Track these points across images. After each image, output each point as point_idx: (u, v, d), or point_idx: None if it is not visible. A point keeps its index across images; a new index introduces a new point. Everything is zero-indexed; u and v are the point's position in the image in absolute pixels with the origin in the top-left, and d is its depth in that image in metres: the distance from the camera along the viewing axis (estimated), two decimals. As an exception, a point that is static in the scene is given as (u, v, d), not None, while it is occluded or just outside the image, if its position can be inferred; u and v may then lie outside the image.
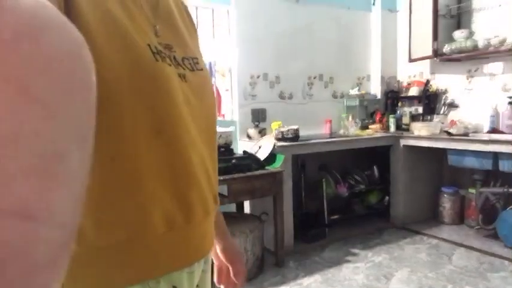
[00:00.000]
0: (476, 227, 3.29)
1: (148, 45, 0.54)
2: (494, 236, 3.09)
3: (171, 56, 0.58)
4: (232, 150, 2.82)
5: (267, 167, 2.73)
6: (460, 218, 3.55)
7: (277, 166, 2.77)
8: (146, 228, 0.53)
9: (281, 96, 3.57)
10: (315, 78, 3.74)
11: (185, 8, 0.71)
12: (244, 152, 2.84)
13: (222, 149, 2.70)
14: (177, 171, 0.56)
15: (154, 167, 0.53)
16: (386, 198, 3.71)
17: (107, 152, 0.50)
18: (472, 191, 3.33)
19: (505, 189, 3.07)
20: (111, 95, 0.48)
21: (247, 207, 3.22)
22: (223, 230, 0.79)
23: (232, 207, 3.12)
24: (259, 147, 2.94)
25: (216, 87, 3.24)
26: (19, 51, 0.17)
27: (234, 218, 2.75)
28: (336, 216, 3.52)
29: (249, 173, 2.58)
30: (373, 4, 4.04)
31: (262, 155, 2.82)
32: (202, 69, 0.64)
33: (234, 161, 2.59)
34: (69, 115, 0.19)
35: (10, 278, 0.16)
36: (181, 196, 0.56)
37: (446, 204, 3.56)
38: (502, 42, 3.10)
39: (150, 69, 0.53)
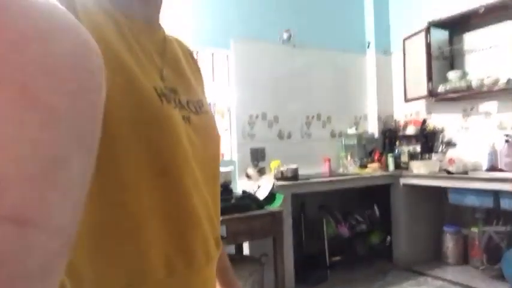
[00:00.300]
0: (481, 267, 3.21)
1: (154, 88, 0.54)
2: (501, 277, 3.01)
3: (176, 99, 0.58)
4: (231, 189, 2.81)
5: (266, 207, 2.70)
6: (464, 258, 3.47)
7: (276, 206, 2.75)
8: (146, 275, 0.51)
9: (280, 136, 3.60)
10: (312, 117, 3.79)
11: (191, 53, 0.73)
12: (244, 191, 2.82)
13: (221, 189, 2.68)
14: (179, 214, 0.54)
15: (156, 210, 0.52)
16: (388, 238, 3.65)
17: (107, 194, 0.49)
18: (475, 229, 3.28)
19: (508, 228, 3.03)
20: (115, 136, 0.48)
21: (246, 248, 3.15)
22: (231, 276, 0.76)
23: (231, 249, 3.05)
24: (259, 187, 2.92)
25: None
26: (26, 53, 0.17)
27: (233, 261, 2.68)
28: (337, 258, 3.45)
29: (248, 213, 2.54)
30: (368, 47, 4.17)
31: (261, 195, 2.80)
32: (206, 112, 0.65)
33: (233, 200, 2.57)
34: (72, 120, 0.18)
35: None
36: (182, 240, 0.55)
37: (450, 243, 3.50)
38: (495, 82, 3.17)
39: (155, 110, 0.53)
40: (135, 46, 0.56)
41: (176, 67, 0.64)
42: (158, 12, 0.63)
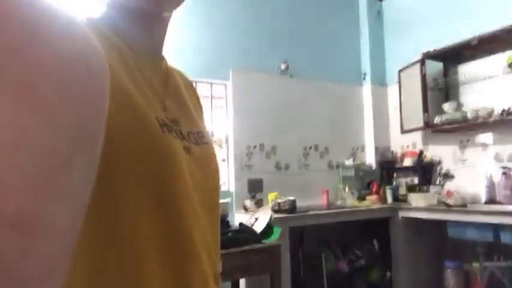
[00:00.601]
0: (485, 305, 3.11)
1: (156, 118, 0.54)
2: (505, 315, 2.91)
3: (177, 130, 0.58)
4: (228, 222, 2.73)
5: (263, 241, 2.62)
6: (466, 295, 3.37)
7: (274, 239, 2.66)
8: None
9: (277, 167, 3.56)
10: (310, 148, 3.77)
11: (191, 85, 0.74)
12: (241, 224, 2.75)
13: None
14: (178, 248, 0.53)
15: (155, 244, 0.50)
16: (388, 273, 3.55)
17: (106, 224, 0.48)
18: (476, 265, 3.20)
19: (510, 263, 2.96)
20: (115, 165, 0.47)
21: (242, 285, 3.04)
22: None
23: (227, 285, 2.93)
24: (256, 219, 2.84)
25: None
26: (30, 55, 0.16)
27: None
28: (337, 295, 3.33)
29: (245, 247, 2.46)
30: (364, 79, 4.21)
31: (258, 228, 2.72)
32: (207, 143, 0.65)
33: (230, 234, 2.49)
34: (75, 123, 0.18)
35: None
36: (181, 275, 0.53)
37: (451, 279, 3.40)
38: (490, 113, 3.19)
39: (157, 140, 0.52)
40: (138, 76, 0.56)
41: (178, 98, 0.64)
42: (162, 43, 0.64)
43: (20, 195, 0.16)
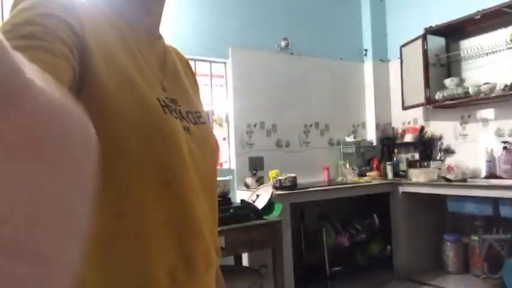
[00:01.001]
0: (482, 276, 3.18)
1: (157, 98, 0.56)
2: (502, 286, 2.98)
3: (177, 110, 0.60)
4: (229, 199, 2.77)
5: (265, 217, 2.67)
6: (465, 267, 3.44)
7: (275, 215, 2.71)
8: (150, 285, 0.52)
9: (278, 144, 3.58)
10: (311, 126, 3.78)
11: (188, 63, 0.75)
12: (242, 201, 2.79)
13: (220, 199, 2.65)
14: (182, 224, 0.55)
15: (159, 221, 0.53)
16: (388, 247, 3.62)
17: (113, 204, 0.50)
18: (475, 238, 3.26)
19: (509, 236, 3.01)
20: (121, 147, 0.49)
21: (245, 259, 3.11)
22: None
23: (230, 260, 3.01)
24: (257, 196, 2.89)
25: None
26: (42, 133, 0.19)
27: (232, 272, 2.64)
28: (337, 268, 3.41)
29: (247, 223, 2.51)
30: (365, 55, 4.17)
31: (260, 204, 2.76)
32: (204, 123, 0.66)
33: (231, 210, 2.53)
34: (76, 178, 0.21)
35: None
36: (185, 250, 0.55)
37: (450, 252, 3.47)
38: (492, 89, 3.17)
39: (159, 120, 0.54)
40: (139, 57, 0.57)
41: (176, 78, 0.65)
42: (159, 21, 0.65)
43: (36, 232, 0.18)
